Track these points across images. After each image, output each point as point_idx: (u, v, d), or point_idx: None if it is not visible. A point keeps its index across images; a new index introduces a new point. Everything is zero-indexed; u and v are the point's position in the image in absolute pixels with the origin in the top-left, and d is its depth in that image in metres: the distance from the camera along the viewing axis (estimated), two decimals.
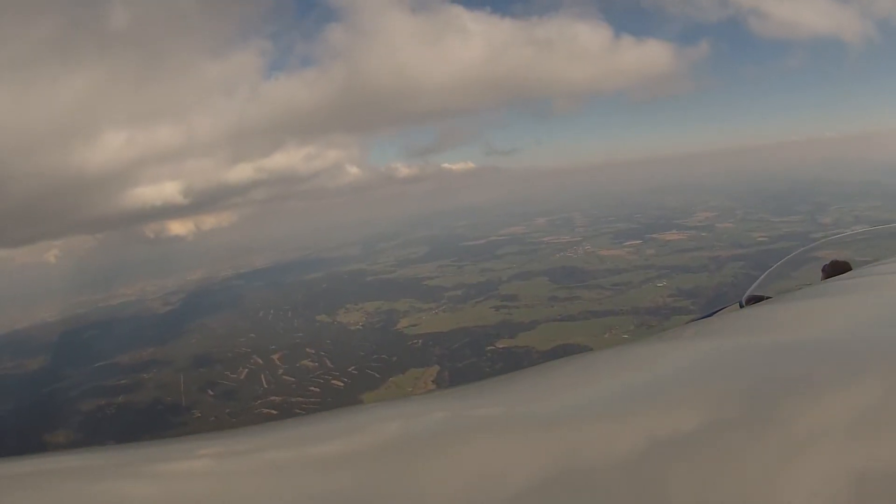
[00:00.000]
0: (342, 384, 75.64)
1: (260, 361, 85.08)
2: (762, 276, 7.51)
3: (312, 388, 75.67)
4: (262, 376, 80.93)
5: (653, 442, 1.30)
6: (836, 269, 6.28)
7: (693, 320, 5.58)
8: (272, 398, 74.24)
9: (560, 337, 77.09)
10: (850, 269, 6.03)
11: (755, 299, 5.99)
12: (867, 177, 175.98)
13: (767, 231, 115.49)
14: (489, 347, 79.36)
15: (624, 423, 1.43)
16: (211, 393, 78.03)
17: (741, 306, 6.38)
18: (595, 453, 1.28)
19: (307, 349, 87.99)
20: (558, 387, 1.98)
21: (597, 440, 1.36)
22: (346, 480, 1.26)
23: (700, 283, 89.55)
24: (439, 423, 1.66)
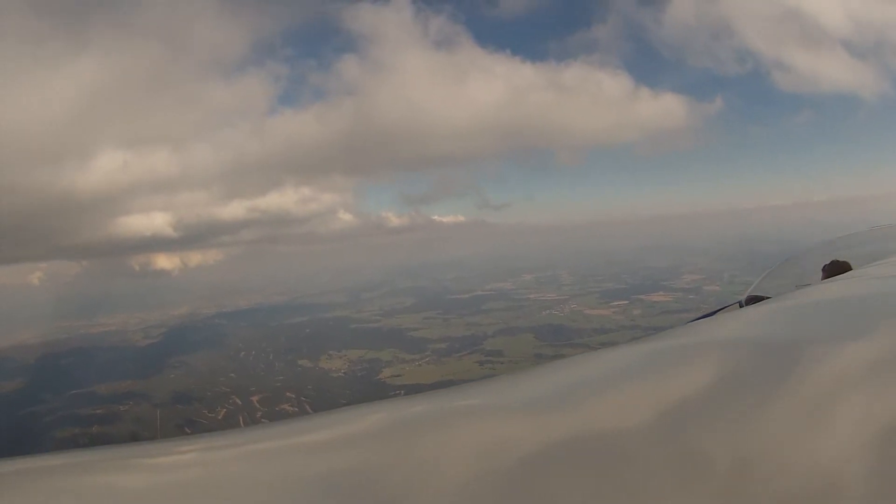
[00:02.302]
0: None
1: (239, 402, 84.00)
2: (762, 276, 7.45)
3: None
4: (241, 417, 79.74)
5: (651, 439, 1.31)
6: (836, 269, 6.44)
7: (693, 320, 5.41)
8: None
9: None
10: (850, 269, 6.17)
11: (755, 299, 6.06)
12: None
13: None
14: None
15: (622, 421, 1.44)
16: (188, 431, 75.41)
17: (741, 306, 6.52)
18: (592, 451, 1.29)
19: (287, 393, 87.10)
20: (557, 384, 1.97)
21: (594, 438, 1.36)
22: (346, 470, 1.27)
23: None
24: (437, 415, 1.67)
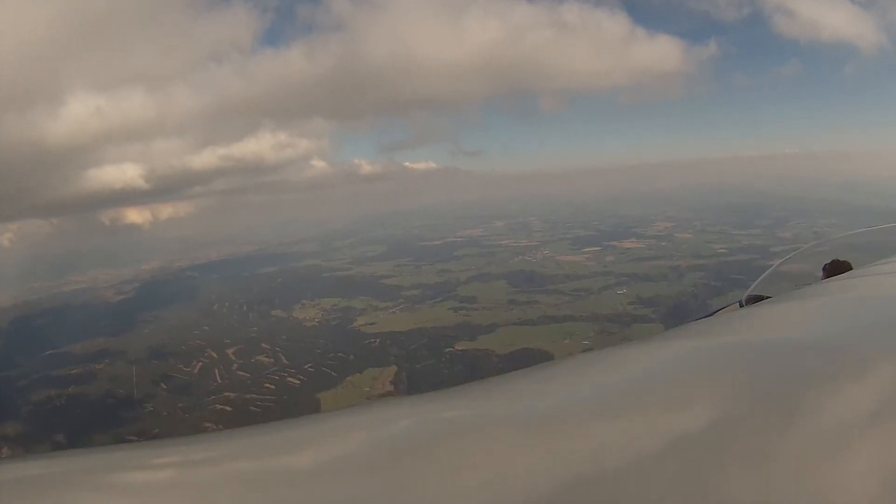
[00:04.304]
0: (298, 382, 74.72)
1: (214, 355, 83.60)
2: (762, 276, 7.55)
3: (267, 385, 74.49)
4: (217, 371, 79.62)
5: (655, 441, 1.30)
6: (836, 268, 6.29)
7: (693, 320, 5.57)
8: (226, 394, 73.11)
9: (520, 341, 77.12)
10: (850, 268, 6.03)
11: (755, 299, 6.00)
12: (824, 194, 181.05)
13: (727, 243, 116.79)
14: (448, 349, 78.86)
15: (627, 423, 1.44)
16: (164, 386, 76.32)
17: (741, 306, 6.43)
18: (598, 452, 1.28)
19: (262, 344, 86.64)
20: (559, 386, 1.93)
21: (600, 439, 1.35)
22: (342, 485, 1.22)
23: (660, 292, 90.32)
24: (440, 423, 1.62)
